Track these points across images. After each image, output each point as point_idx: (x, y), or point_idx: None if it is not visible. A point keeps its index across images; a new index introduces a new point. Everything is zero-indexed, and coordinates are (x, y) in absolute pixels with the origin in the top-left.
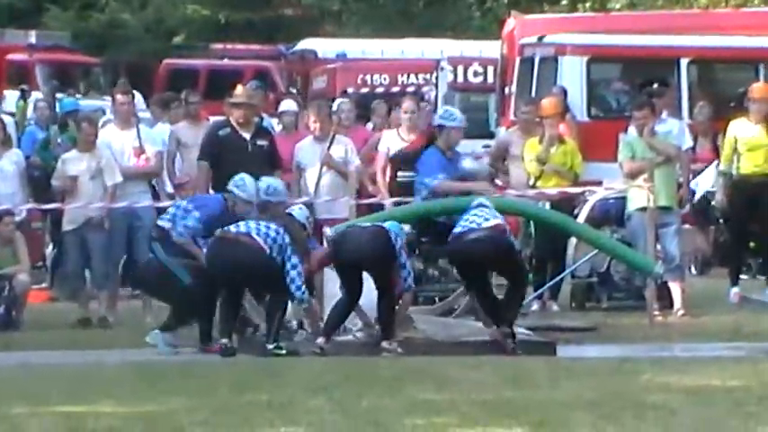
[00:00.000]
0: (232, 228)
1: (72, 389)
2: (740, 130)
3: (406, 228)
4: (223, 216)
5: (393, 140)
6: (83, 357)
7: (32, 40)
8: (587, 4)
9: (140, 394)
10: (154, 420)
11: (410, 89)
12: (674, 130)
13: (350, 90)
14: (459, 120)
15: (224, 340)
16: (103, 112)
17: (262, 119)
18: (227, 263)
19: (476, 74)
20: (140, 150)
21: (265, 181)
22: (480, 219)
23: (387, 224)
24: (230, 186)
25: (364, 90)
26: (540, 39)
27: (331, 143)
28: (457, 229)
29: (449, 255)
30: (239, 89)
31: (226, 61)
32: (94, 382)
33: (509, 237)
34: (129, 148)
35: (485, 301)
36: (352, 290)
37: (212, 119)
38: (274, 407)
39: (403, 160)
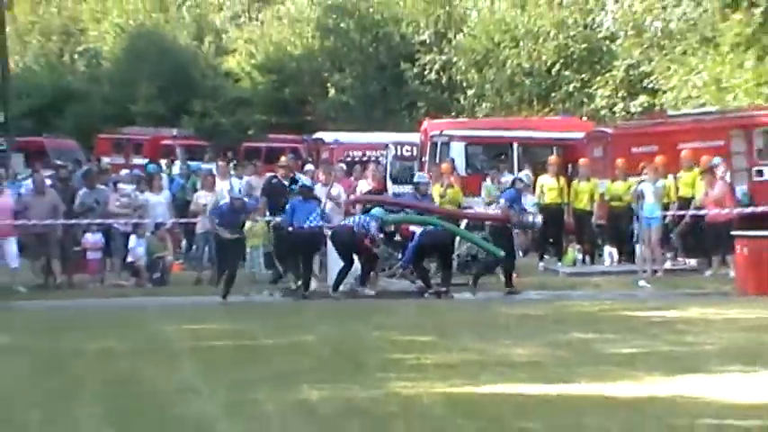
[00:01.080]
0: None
1: (206, 314)
2: (544, 180)
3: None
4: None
5: (365, 186)
6: (198, 299)
7: (174, 132)
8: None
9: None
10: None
11: (373, 159)
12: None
13: (342, 160)
14: (426, 180)
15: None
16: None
17: (295, 174)
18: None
19: (407, 151)
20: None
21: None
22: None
23: (357, 220)
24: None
25: (348, 159)
26: (440, 132)
27: (331, 187)
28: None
29: (421, 243)
30: (282, 159)
31: (275, 144)
32: (215, 312)
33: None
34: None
35: (422, 271)
36: (345, 260)
37: (267, 174)
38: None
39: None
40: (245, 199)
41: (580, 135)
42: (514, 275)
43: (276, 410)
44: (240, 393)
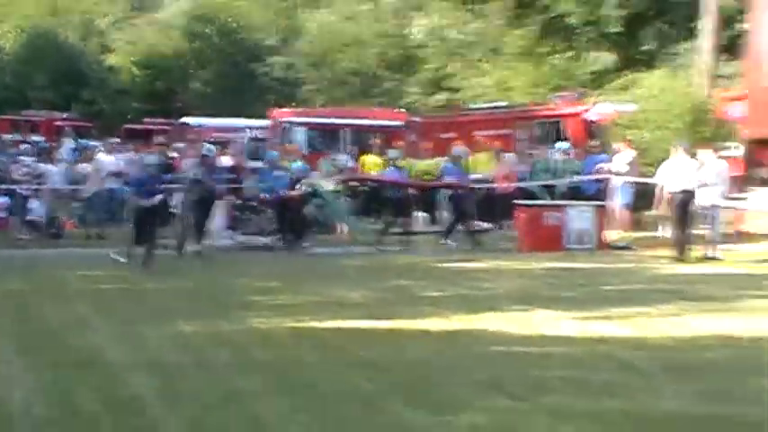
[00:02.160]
0: None
1: (95, 263)
2: (370, 158)
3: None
4: None
5: (227, 161)
6: (88, 251)
7: (65, 115)
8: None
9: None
10: None
11: (231, 140)
12: (344, 159)
13: (206, 140)
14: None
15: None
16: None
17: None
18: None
19: (260, 134)
20: None
21: None
22: None
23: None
24: None
25: (211, 140)
26: (287, 119)
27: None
28: None
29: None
30: (159, 138)
31: (149, 126)
32: (103, 262)
33: None
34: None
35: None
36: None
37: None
38: None
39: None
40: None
41: (397, 123)
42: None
43: (156, 341)
44: (125, 327)
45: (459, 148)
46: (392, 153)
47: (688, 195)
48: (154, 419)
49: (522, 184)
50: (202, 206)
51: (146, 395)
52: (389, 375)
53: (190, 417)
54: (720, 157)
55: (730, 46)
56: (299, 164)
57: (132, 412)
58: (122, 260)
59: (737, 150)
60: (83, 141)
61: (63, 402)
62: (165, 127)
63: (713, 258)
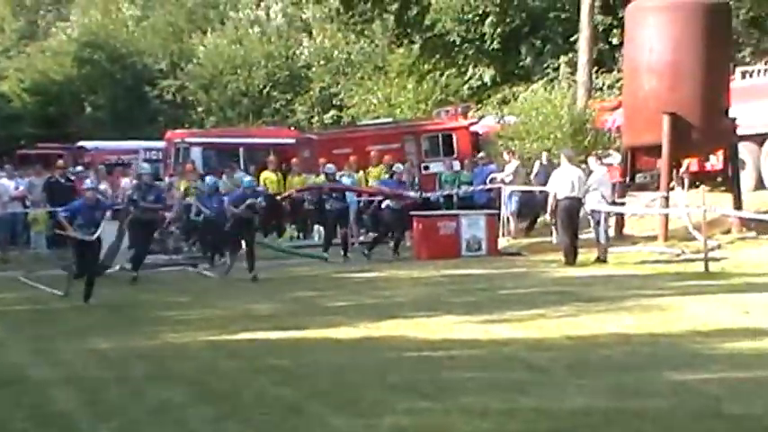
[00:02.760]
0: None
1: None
2: (266, 174)
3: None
4: None
5: (128, 183)
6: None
7: None
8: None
9: None
10: None
11: (127, 162)
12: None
13: (102, 163)
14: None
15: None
16: None
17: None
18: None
19: (154, 155)
20: None
21: None
22: None
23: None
24: None
25: (107, 162)
26: (182, 140)
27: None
28: None
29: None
30: (60, 162)
31: (43, 151)
32: (13, 284)
33: None
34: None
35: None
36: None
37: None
38: None
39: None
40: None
41: (290, 140)
42: None
43: (74, 357)
44: (42, 345)
45: (399, 164)
46: (397, 167)
47: (573, 202)
48: None
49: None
50: (145, 228)
51: (73, 410)
52: (308, 382)
53: (119, 429)
54: (603, 164)
55: (604, 59)
56: (208, 179)
57: (62, 428)
58: (60, 293)
59: (614, 158)
60: None
61: None
62: (60, 151)
63: (601, 261)
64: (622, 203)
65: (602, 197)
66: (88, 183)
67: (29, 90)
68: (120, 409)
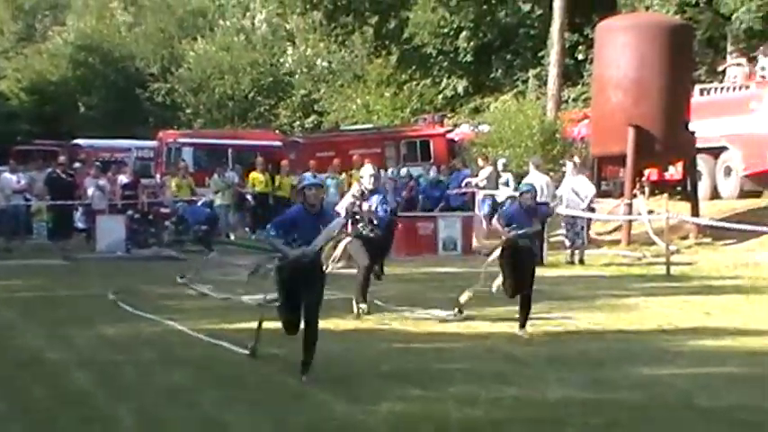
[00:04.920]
0: None
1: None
2: (255, 175)
3: None
4: None
5: (124, 179)
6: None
7: None
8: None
9: None
10: None
11: (119, 159)
12: (231, 176)
13: (96, 160)
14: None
15: None
16: None
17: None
18: None
19: (146, 154)
20: None
21: None
22: None
23: None
24: None
25: (101, 159)
26: (174, 140)
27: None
28: None
29: None
30: (60, 159)
31: (40, 147)
32: (18, 271)
33: None
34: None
35: None
36: None
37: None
38: None
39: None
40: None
41: (277, 143)
42: None
43: (86, 341)
44: (54, 330)
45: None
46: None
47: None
48: (106, 411)
49: None
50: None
51: (90, 391)
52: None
53: (137, 410)
54: (575, 172)
55: (570, 73)
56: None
57: (83, 405)
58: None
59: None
60: None
61: (17, 399)
62: (55, 148)
63: (575, 263)
64: (592, 209)
65: (582, 200)
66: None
67: (26, 89)
68: (134, 391)
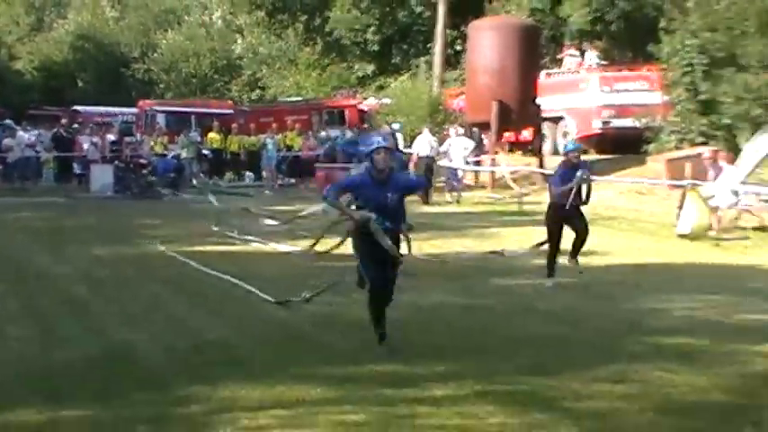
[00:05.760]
0: None
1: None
2: (212, 135)
3: None
4: None
5: (111, 137)
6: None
7: None
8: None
9: None
10: None
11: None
12: (195, 135)
13: (91, 122)
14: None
15: None
16: None
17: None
18: None
19: (130, 118)
20: None
21: None
22: None
23: None
24: None
25: (96, 121)
26: (151, 108)
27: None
28: None
29: None
30: (63, 120)
31: (47, 112)
32: (26, 206)
33: None
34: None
35: None
36: None
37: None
38: None
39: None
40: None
41: (229, 111)
42: None
43: (85, 260)
44: (59, 250)
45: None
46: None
47: (430, 160)
48: (101, 314)
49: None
50: None
51: (87, 298)
52: (256, 283)
53: (129, 314)
54: (459, 134)
55: (451, 60)
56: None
57: (80, 308)
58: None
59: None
60: (6, 122)
61: (29, 303)
62: (59, 113)
63: (451, 202)
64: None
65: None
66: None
67: (37, 68)
68: (124, 299)
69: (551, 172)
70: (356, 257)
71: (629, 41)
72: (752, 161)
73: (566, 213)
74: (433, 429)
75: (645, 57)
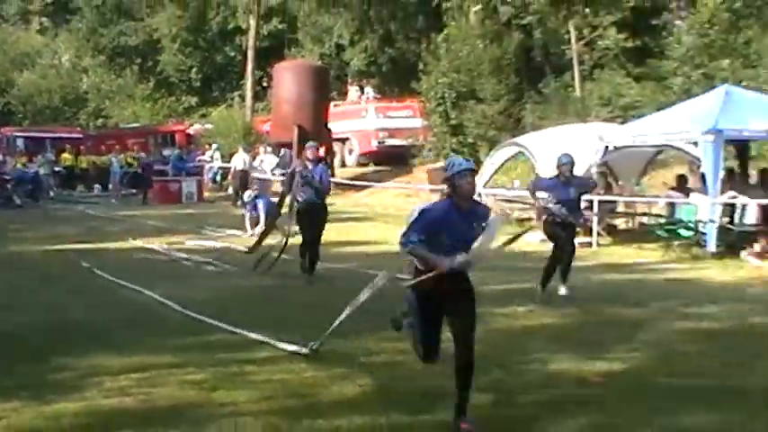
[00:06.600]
0: None
1: None
2: (66, 155)
3: None
4: None
5: None
6: None
7: None
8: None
9: None
10: None
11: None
12: (50, 156)
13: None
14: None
15: None
16: None
17: None
18: None
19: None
20: None
21: None
22: None
23: None
24: None
25: None
26: (12, 134)
27: None
28: None
29: None
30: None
31: None
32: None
33: None
34: None
35: None
36: None
37: None
38: None
39: None
40: None
41: (79, 135)
42: None
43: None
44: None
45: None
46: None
47: (244, 173)
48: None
49: None
50: None
51: None
52: (119, 272)
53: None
54: (267, 152)
55: (259, 94)
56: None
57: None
58: None
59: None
60: None
61: None
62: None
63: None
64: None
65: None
66: None
67: None
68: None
69: (339, 179)
70: (410, 309)
71: (397, 80)
72: (489, 171)
73: (561, 227)
74: (261, 383)
75: (409, 91)
